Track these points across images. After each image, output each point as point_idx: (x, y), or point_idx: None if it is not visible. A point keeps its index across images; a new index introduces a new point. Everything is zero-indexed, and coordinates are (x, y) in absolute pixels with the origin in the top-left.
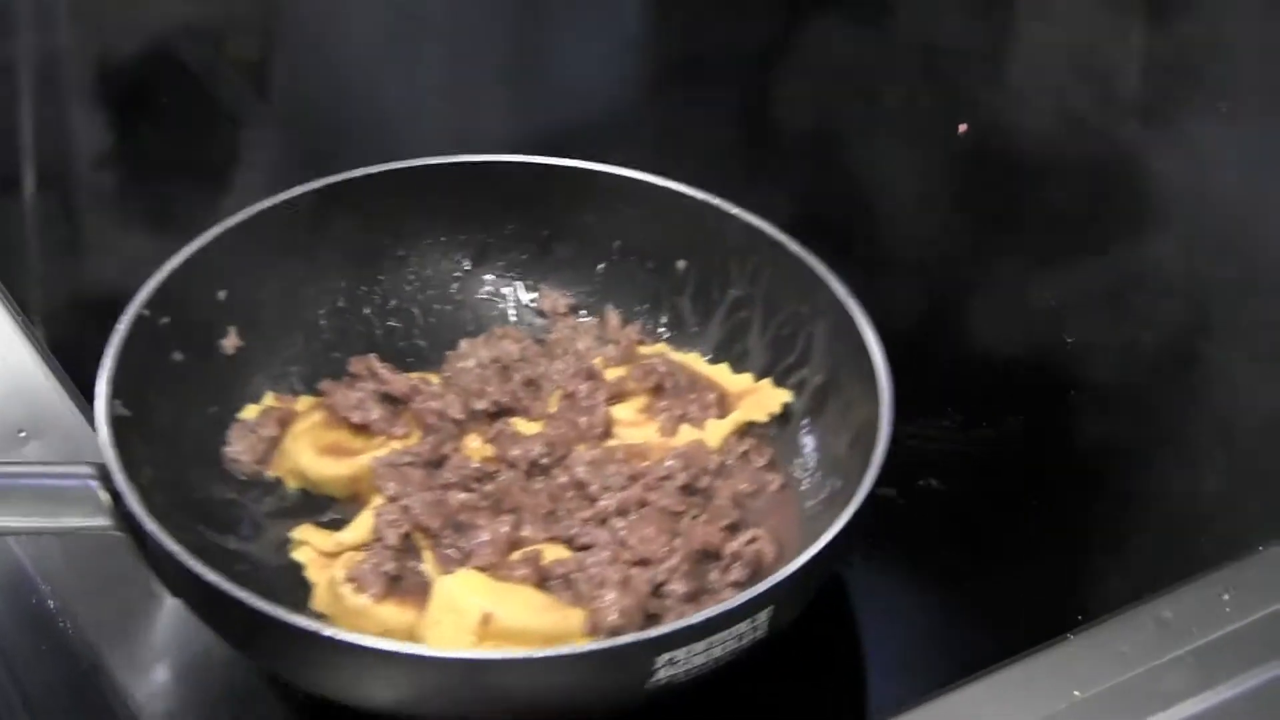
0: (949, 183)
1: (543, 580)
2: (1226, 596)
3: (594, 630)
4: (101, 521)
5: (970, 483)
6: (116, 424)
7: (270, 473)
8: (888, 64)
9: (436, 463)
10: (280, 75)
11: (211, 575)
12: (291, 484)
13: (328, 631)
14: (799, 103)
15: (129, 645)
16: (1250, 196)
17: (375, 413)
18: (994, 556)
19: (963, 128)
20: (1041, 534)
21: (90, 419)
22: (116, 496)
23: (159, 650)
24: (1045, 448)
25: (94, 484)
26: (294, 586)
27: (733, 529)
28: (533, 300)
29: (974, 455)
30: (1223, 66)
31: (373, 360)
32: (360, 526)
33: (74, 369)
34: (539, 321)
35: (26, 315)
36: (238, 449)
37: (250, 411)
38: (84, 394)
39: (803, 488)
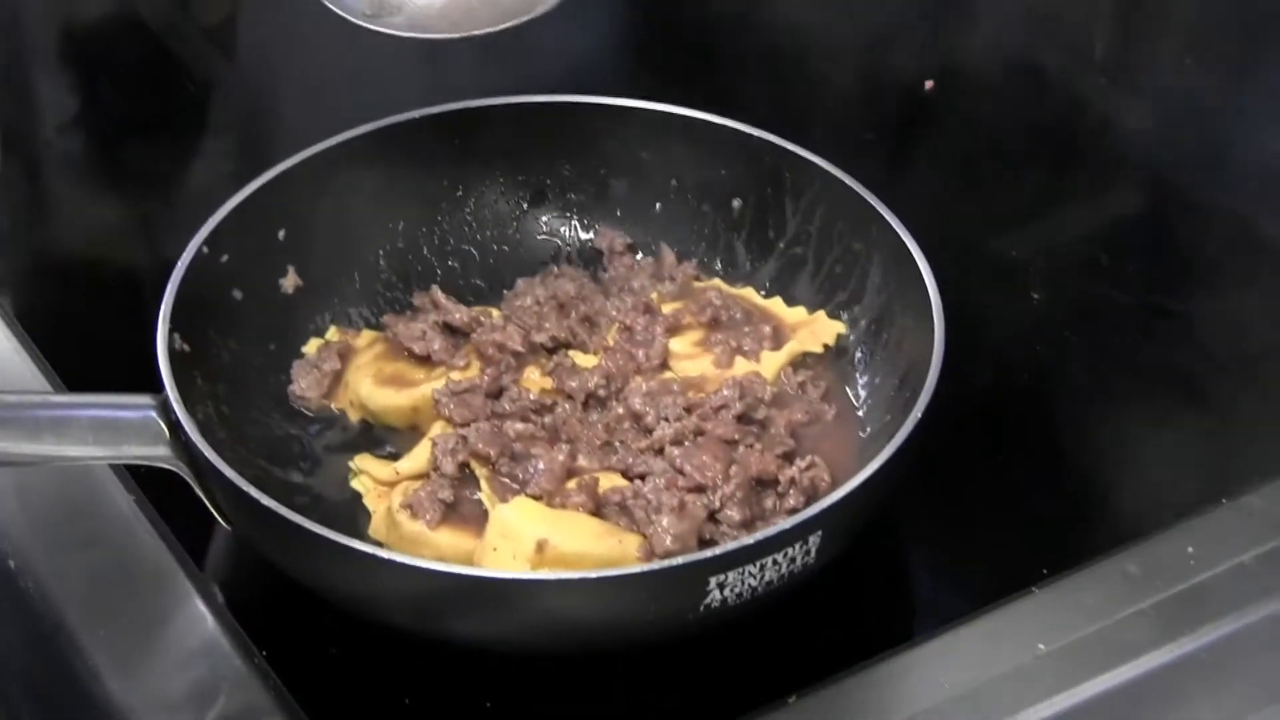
0: (916, 137)
1: (599, 507)
2: (1191, 549)
3: (649, 556)
4: (161, 451)
5: (935, 437)
6: (177, 359)
7: (335, 406)
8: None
9: (495, 394)
10: (246, 36)
11: (267, 501)
12: (353, 416)
13: (385, 554)
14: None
15: (90, 605)
16: (1216, 149)
17: (437, 343)
18: (959, 511)
19: (929, 84)
20: (1006, 489)
21: (54, 385)
22: (176, 427)
23: (120, 610)
24: (1011, 403)
25: (154, 414)
26: (353, 518)
27: (788, 458)
28: (590, 240)
29: (939, 410)
30: (1188, 18)
31: (436, 291)
32: (418, 456)
33: (38, 334)
34: (596, 261)
35: None
36: (303, 385)
37: (311, 346)
38: (48, 360)
39: (859, 418)
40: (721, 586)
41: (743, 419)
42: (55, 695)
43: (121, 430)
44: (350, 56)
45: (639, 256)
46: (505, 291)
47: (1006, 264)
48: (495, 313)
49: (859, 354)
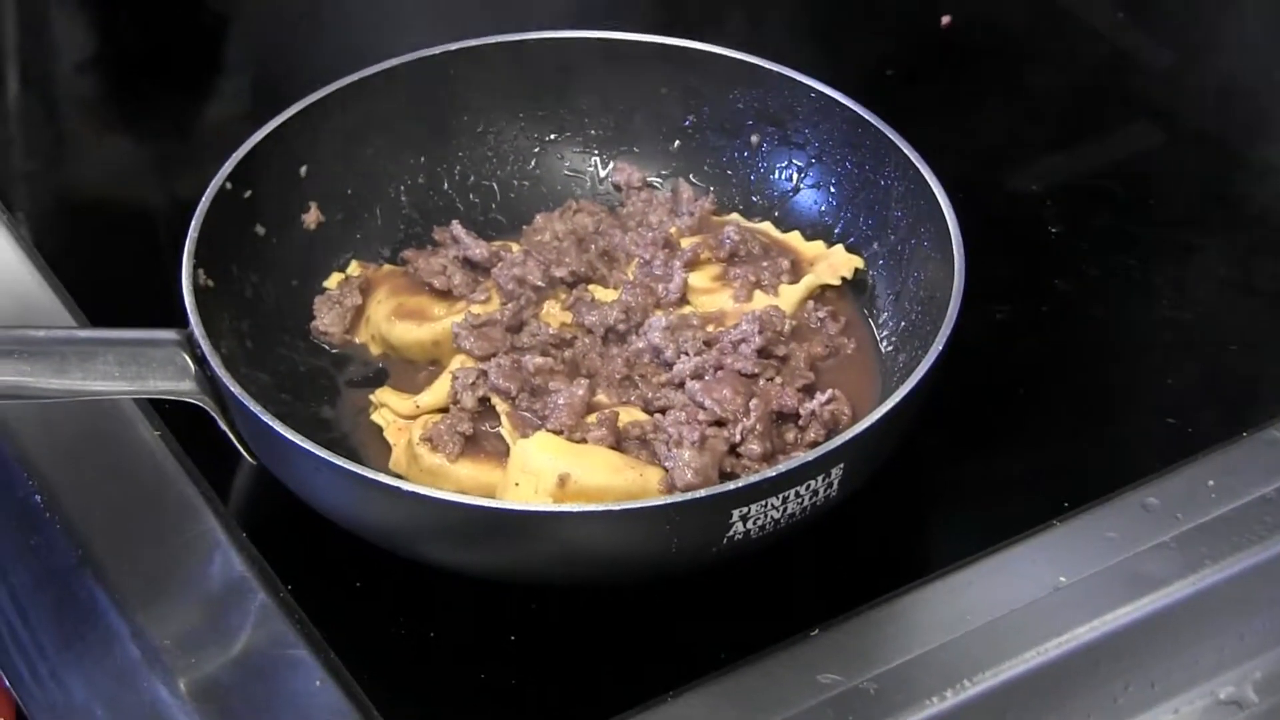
0: (933, 72)
1: (619, 442)
2: (1212, 482)
3: (670, 489)
4: (186, 386)
5: (956, 371)
6: (202, 294)
7: (357, 340)
8: None
9: (515, 328)
10: None
11: (291, 434)
12: (374, 350)
13: (408, 486)
14: None
15: (115, 539)
16: (1232, 84)
17: (457, 278)
18: (980, 445)
19: (946, 19)
20: (1027, 422)
21: (80, 321)
22: (201, 362)
23: (145, 544)
24: (1031, 337)
25: (179, 349)
26: (375, 451)
27: (808, 391)
28: (608, 174)
29: (960, 344)
30: None
31: (456, 226)
32: (438, 390)
33: (58, 264)
34: (614, 195)
35: (11, 213)
36: (325, 321)
37: (333, 281)
38: (68, 289)
39: (879, 352)
40: (744, 519)
41: (762, 353)
42: (80, 628)
43: (147, 365)
44: None
45: (657, 190)
46: (524, 227)
47: (1024, 198)
48: (515, 247)
49: (879, 287)
